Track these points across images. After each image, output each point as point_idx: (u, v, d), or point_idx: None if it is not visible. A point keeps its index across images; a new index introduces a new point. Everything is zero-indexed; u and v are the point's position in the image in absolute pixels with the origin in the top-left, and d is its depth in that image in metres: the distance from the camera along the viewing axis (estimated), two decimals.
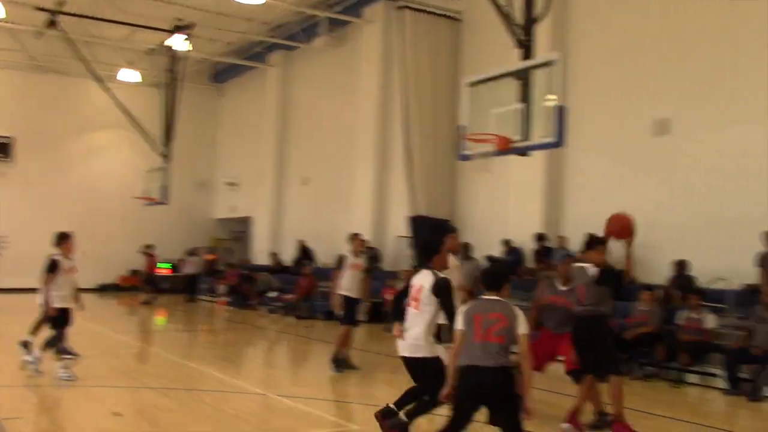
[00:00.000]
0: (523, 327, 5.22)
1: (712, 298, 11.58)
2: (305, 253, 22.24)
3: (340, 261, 11.32)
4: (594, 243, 7.61)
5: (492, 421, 5.29)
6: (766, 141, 12.34)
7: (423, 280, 6.33)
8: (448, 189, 18.47)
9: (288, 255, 23.95)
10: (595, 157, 15.24)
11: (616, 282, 7.35)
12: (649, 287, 11.72)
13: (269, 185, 25.96)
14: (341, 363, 10.61)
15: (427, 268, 6.40)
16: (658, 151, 14.05)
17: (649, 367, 11.02)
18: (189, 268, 25.58)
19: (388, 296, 15.81)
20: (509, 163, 14.74)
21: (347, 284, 10.80)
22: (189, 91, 24.71)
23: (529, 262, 15.47)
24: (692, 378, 10.66)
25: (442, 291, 6.16)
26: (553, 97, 8.92)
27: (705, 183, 13.21)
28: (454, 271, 7.85)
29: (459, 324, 5.36)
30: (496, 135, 9.47)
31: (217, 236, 29.95)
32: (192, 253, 26.13)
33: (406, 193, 18.24)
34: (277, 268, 23.29)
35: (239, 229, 28.65)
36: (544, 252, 14.96)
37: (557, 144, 9.07)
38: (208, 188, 30.14)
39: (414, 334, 6.19)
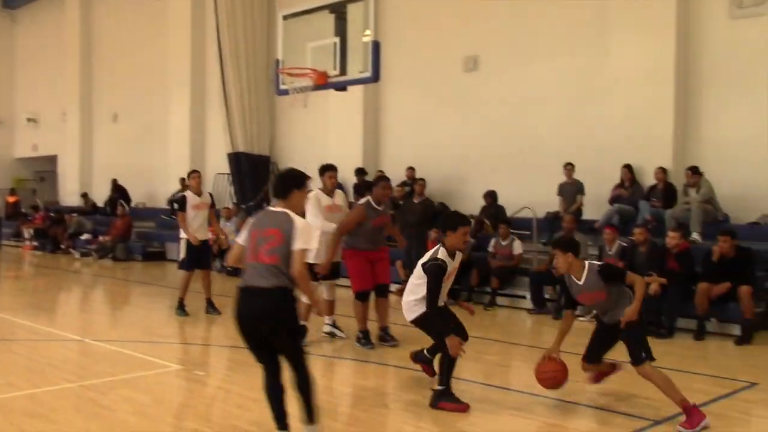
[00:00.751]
0: (299, 242, 4.52)
1: (519, 225, 12.39)
2: (119, 193, 21.23)
3: (182, 202, 10.36)
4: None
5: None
6: (566, 77, 13.22)
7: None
8: (267, 125, 18.26)
9: (100, 195, 22.77)
10: (410, 92, 15.62)
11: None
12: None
13: (75, 122, 24.38)
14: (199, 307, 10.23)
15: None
16: (468, 86, 14.64)
17: (464, 292, 11.66)
18: None
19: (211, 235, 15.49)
20: (328, 99, 14.77)
21: (193, 226, 10.17)
22: None
23: (350, 197, 15.70)
24: (503, 300, 11.42)
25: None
26: (369, 32, 9.00)
27: (511, 117, 13.99)
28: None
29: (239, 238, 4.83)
30: (313, 69, 9.43)
31: (19, 176, 27.86)
32: None
33: (224, 130, 17.84)
34: (88, 210, 22.08)
35: (44, 169, 26.81)
36: (364, 186, 15.21)
37: (373, 79, 9.19)
38: (5, 125, 27.79)
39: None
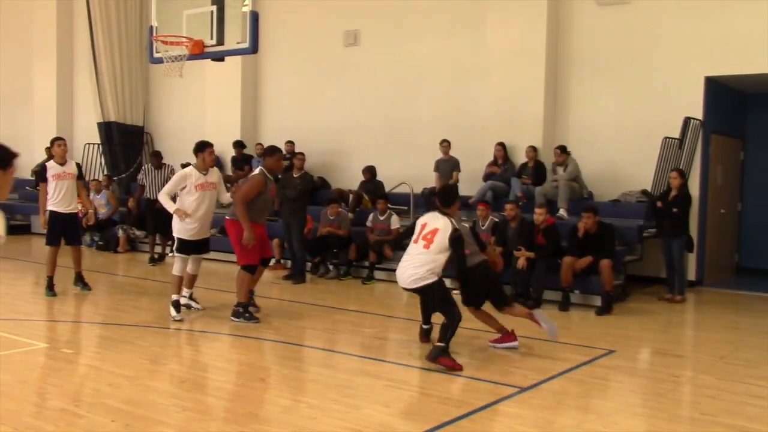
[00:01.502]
0: None
1: (397, 201, 12.59)
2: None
3: (41, 173, 9.77)
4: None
5: None
6: (444, 55, 13.47)
7: None
8: (141, 94, 17.62)
9: None
10: (290, 65, 15.48)
11: None
12: (334, 199, 12.34)
13: None
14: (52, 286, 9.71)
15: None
16: (348, 61, 14.67)
17: (343, 266, 11.77)
18: None
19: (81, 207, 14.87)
20: (205, 69, 14.42)
21: (55, 197, 9.55)
22: None
23: (228, 170, 15.45)
24: (380, 275, 11.60)
25: None
26: (247, 2, 8.86)
27: (391, 93, 14.14)
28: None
29: None
30: (189, 38, 9.19)
31: None
32: None
33: (94, 98, 17.08)
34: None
35: None
36: (243, 159, 15.01)
37: (251, 50, 9.05)
38: None
39: None
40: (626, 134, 11.79)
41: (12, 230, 17.13)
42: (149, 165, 13.40)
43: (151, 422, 4.98)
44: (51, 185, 9.57)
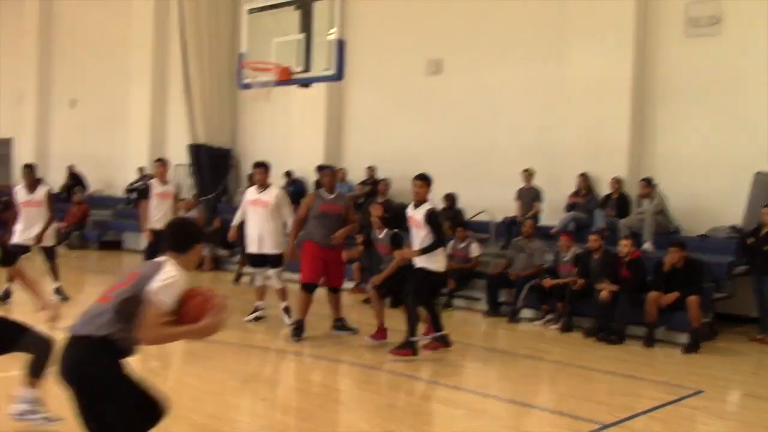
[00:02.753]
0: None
1: (477, 229, 12.54)
2: (76, 180, 20.88)
3: (144, 191, 10.40)
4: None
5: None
6: (528, 83, 13.43)
7: None
8: (229, 118, 18.15)
9: (56, 181, 22.37)
10: (373, 92, 15.69)
11: None
12: None
13: (32, 105, 23.89)
14: None
15: None
16: (431, 89, 14.76)
17: None
18: None
19: None
20: (292, 95, 14.75)
21: (156, 215, 10.03)
22: None
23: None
24: (459, 302, 11.55)
25: None
26: (334, 30, 9.05)
27: (472, 121, 14.15)
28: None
29: None
30: (276, 64, 9.44)
31: None
32: None
33: (185, 121, 17.69)
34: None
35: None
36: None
37: (336, 77, 9.23)
38: None
39: None
40: (715, 167, 11.44)
41: (105, 245, 17.86)
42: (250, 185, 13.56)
43: None
44: (152, 203, 10.02)
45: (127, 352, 3.66)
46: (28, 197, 9.94)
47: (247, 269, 9.18)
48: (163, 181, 10.28)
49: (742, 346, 9.48)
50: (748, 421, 6.30)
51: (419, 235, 7.59)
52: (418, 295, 7.63)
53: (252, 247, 9.13)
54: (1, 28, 25.43)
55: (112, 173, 20.75)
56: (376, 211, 9.26)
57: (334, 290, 8.81)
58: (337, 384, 7.07)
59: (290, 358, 7.84)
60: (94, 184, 21.19)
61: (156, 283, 3.55)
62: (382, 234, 8.96)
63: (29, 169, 10.30)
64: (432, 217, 7.43)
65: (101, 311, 3.60)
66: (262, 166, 9.24)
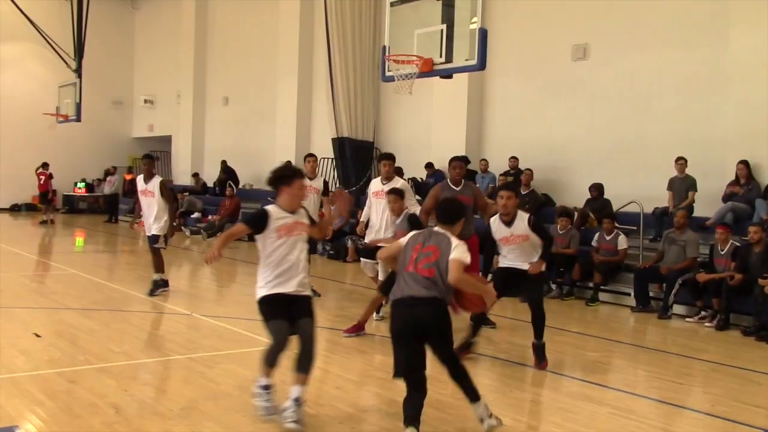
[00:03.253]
0: (455, 252, 4.70)
1: (625, 220, 12.06)
2: (228, 174, 21.93)
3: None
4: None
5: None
6: (680, 68, 12.73)
7: None
8: (372, 111, 18.42)
9: (210, 176, 23.59)
10: (516, 81, 15.41)
11: None
12: (566, 212, 12.03)
13: (188, 104, 25.32)
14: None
15: None
16: (576, 75, 14.32)
17: (566, 286, 11.46)
18: (108, 188, 24.97)
19: None
20: (432, 86, 14.75)
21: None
22: (100, 4, 23.51)
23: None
24: (605, 296, 11.16)
25: None
26: (476, 19, 8.94)
27: (621, 108, 13.60)
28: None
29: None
30: (419, 56, 9.43)
31: (136, 155, 29.18)
32: (110, 172, 25.45)
33: (330, 115, 18.10)
34: (199, 189, 22.94)
35: (159, 149, 27.97)
36: (467, 175, 15.15)
37: (479, 67, 9.10)
38: (125, 106, 29.17)
39: None
40: None
41: (252, 237, 18.58)
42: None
43: (375, 427, 5.15)
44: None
45: None
46: (144, 186, 10.41)
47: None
48: (312, 175, 10.45)
49: None
50: None
51: (522, 246, 7.00)
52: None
53: (370, 236, 9.09)
54: (162, 35, 27.13)
55: (261, 167, 21.60)
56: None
57: None
58: (479, 378, 7.00)
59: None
60: (244, 178, 22.14)
61: (455, 251, 4.69)
62: (399, 219, 8.61)
63: (148, 159, 10.76)
64: (537, 224, 6.96)
65: (434, 281, 4.69)
66: (389, 158, 9.27)
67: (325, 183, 10.64)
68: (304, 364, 5.07)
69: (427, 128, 16.82)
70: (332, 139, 18.18)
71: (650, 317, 10.14)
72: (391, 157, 9.32)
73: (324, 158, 18.94)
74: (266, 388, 5.13)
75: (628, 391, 6.28)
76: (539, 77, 15.02)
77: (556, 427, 5.30)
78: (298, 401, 4.95)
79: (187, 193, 21.91)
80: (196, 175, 23.94)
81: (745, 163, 11.42)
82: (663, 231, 11.19)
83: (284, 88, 20.77)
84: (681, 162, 12.06)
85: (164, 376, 6.23)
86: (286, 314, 5.16)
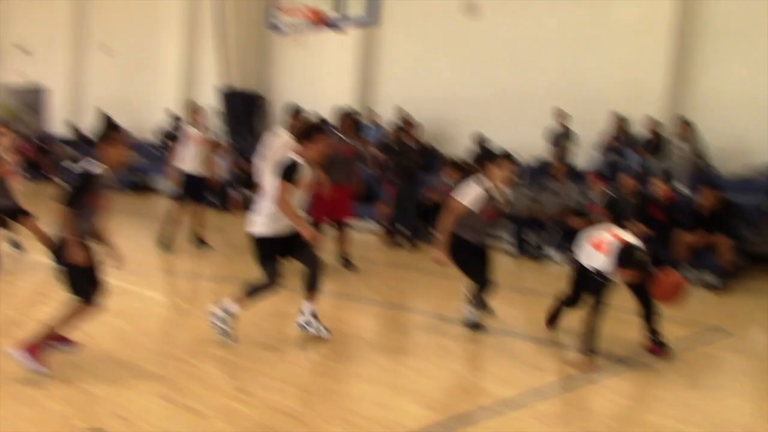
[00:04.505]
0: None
1: None
2: (109, 125, 21.03)
3: (174, 133, 10.63)
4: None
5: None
6: (563, 24, 13.11)
7: None
8: (261, 62, 18.06)
9: (88, 126, 22.58)
10: (407, 36, 15.45)
11: None
12: (454, 162, 12.26)
13: (65, 51, 24.02)
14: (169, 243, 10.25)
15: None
16: (465, 30, 14.49)
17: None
18: None
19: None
20: (323, 39, 14.62)
21: (187, 159, 10.04)
22: None
23: None
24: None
25: None
26: None
27: (506, 62, 13.91)
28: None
29: None
30: (309, 8, 9.34)
31: (7, 104, 27.54)
32: None
33: (217, 65, 17.65)
34: (77, 140, 21.95)
35: (32, 98, 26.50)
36: (355, 126, 15.15)
37: (371, 21, 9.10)
38: None
39: None
40: (754, 107, 11.14)
41: (137, 188, 18.08)
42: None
43: (257, 374, 5.18)
44: (185, 149, 10.09)
45: None
46: None
47: None
48: (198, 126, 10.22)
49: None
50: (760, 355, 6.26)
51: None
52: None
53: None
54: None
55: (142, 117, 20.86)
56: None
57: (342, 225, 9.05)
58: (366, 324, 7.13)
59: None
60: (127, 129, 21.34)
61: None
62: None
63: None
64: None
65: None
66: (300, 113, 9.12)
67: (213, 132, 10.45)
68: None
69: (317, 81, 16.65)
70: (219, 89, 17.76)
71: (528, 262, 10.56)
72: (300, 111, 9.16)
73: (210, 108, 18.50)
74: (231, 315, 5.63)
75: (507, 331, 6.54)
76: (429, 31, 15.10)
77: (434, 366, 5.49)
78: (314, 314, 5.81)
79: (63, 144, 20.92)
80: (73, 126, 22.88)
81: (618, 116, 11.95)
82: (541, 180, 11.61)
83: (168, 35, 20.01)
84: (560, 114, 12.49)
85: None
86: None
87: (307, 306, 5.85)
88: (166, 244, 10.06)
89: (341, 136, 8.98)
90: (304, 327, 5.87)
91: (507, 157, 6.30)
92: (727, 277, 8.93)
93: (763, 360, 6.39)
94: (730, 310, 8.00)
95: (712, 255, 9.09)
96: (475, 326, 6.32)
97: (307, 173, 5.70)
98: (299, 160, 5.66)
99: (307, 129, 5.86)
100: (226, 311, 5.65)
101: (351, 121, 9.14)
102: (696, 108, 11.60)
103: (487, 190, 6.11)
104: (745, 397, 5.31)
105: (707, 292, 8.78)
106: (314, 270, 5.75)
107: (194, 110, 10.44)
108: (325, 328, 5.85)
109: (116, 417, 4.25)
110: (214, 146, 10.38)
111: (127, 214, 14.06)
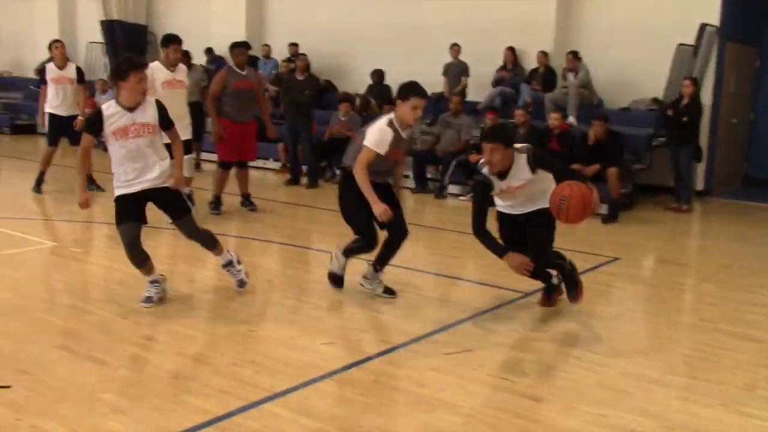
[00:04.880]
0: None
1: None
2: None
3: (42, 73, 9.90)
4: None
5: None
6: None
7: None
8: None
9: None
10: None
11: None
12: (348, 98, 12.17)
13: None
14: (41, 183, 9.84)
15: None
16: None
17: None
18: None
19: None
20: None
21: (55, 101, 9.57)
22: None
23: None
24: None
25: None
26: None
27: None
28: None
29: None
30: None
31: None
32: None
33: None
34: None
35: None
36: (248, 60, 14.75)
37: None
38: None
39: None
40: (639, 40, 11.48)
41: (17, 129, 17.11)
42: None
43: (159, 319, 5.08)
44: (50, 88, 9.59)
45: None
46: None
47: None
48: (61, 64, 9.61)
49: (659, 215, 9.88)
50: (660, 284, 6.64)
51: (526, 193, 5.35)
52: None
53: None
54: None
55: (20, 53, 19.60)
56: None
57: (243, 165, 8.94)
58: (267, 263, 7.09)
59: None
60: (2, 65, 20.04)
61: None
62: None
63: None
64: (541, 159, 5.29)
65: None
66: (178, 42, 8.23)
67: (79, 70, 9.84)
68: None
69: (205, 11, 16.03)
70: (101, 21, 16.83)
71: (428, 197, 10.72)
72: (178, 41, 8.27)
73: (93, 43, 17.57)
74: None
75: (408, 267, 6.65)
76: None
77: (338, 304, 5.53)
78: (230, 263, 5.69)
79: None
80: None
81: (511, 50, 12.12)
82: (439, 116, 11.70)
83: None
84: (455, 48, 12.54)
85: None
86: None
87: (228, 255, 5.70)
88: (37, 186, 9.78)
89: (237, 70, 8.71)
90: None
91: (419, 93, 5.53)
92: (616, 208, 9.33)
93: (653, 286, 6.77)
94: (620, 239, 8.39)
95: (602, 186, 9.44)
96: (333, 278, 5.88)
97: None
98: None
99: (119, 66, 5.09)
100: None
101: (245, 53, 8.83)
102: (584, 41, 11.87)
103: (395, 131, 5.46)
104: (639, 324, 5.62)
105: (598, 222, 9.16)
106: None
107: (54, 47, 9.73)
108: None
109: (19, 372, 4.10)
110: (82, 84, 9.79)
111: (6, 158, 13.35)
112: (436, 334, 4.97)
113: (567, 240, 7.62)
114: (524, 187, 5.26)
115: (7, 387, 3.88)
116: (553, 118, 9.82)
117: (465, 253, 7.22)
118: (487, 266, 6.76)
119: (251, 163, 9.37)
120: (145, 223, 5.25)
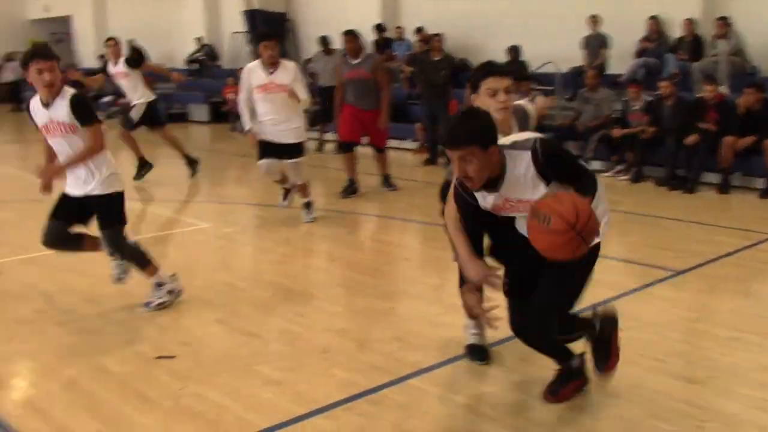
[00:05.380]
0: None
1: (543, 81, 12.17)
2: (138, 54, 20.90)
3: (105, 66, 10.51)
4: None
5: None
6: None
7: None
8: None
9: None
10: None
11: None
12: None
13: None
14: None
15: None
16: None
17: None
18: (8, 75, 23.54)
19: (230, 95, 15.45)
20: None
21: (128, 93, 10.41)
22: None
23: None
24: None
25: None
26: None
27: None
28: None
29: None
30: None
31: (35, 39, 27.48)
32: (9, 58, 23.91)
33: None
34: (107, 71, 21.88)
35: (60, 31, 26.38)
36: (383, 43, 14.93)
37: None
38: None
39: None
40: None
41: (170, 118, 18.04)
42: (320, 51, 13.11)
43: (307, 296, 5.26)
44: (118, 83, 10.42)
45: None
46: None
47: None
48: (116, 60, 10.19)
49: None
50: None
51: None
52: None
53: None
54: None
55: (171, 45, 20.70)
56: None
57: (380, 150, 9.02)
58: (407, 242, 7.18)
59: (355, 219, 7.95)
60: (155, 57, 21.20)
61: None
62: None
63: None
64: (552, 156, 3.34)
65: None
66: (352, 34, 8.61)
67: (127, 60, 10.32)
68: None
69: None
70: (243, 11, 17.49)
71: None
72: (353, 33, 8.62)
73: (236, 33, 18.29)
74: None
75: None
76: None
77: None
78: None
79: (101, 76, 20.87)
80: (102, 57, 22.78)
81: (654, 19, 11.58)
82: (578, 90, 11.37)
83: None
84: (593, 20, 12.14)
85: (91, 262, 6.13)
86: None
87: None
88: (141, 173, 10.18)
89: (349, 60, 8.63)
90: None
91: (490, 73, 3.68)
92: None
93: None
94: None
95: (757, 159, 8.89)
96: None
97: None
98: None
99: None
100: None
101: (353, 41, 8.65)
102: (734, 6, 11.17)
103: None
104: None
105: (754, 197, 8.64)
106: None
107: (108, 45, 10.41)
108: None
109: (181, 344, 4.38)
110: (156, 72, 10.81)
111: (166, 145, 14.12)
112: (581, 313, 4.86)
113: (723, 217, 7.25)
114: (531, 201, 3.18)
115: (172, 357, 4.16)
116: (707, 90, 9.28)
117: (610, 231, 6.99)
118: (634, 243, 6.56)
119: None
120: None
